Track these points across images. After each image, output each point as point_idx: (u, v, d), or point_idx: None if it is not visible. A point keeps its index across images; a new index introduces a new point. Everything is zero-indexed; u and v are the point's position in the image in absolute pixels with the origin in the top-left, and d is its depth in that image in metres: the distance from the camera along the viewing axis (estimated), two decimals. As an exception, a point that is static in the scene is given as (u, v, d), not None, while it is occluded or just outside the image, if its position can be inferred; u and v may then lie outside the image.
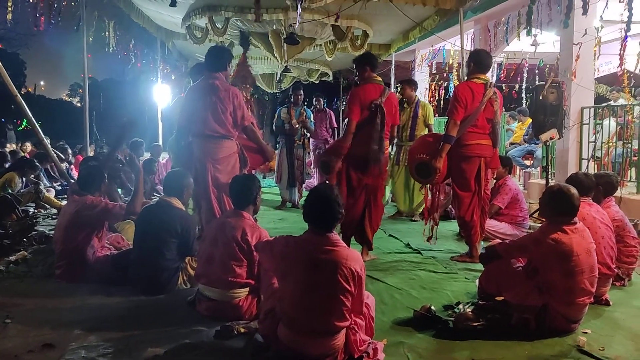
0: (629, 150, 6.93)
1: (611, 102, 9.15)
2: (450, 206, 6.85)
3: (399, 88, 8.22)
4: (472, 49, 9.88)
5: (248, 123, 4.69)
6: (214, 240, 3.55)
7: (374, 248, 5.22)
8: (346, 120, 5.08)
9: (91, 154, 10.94)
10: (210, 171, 4.55)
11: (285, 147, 8.61)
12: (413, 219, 7.50)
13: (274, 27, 9.36)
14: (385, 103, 4.84)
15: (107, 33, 9.10)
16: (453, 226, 5.97)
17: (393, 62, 13.37)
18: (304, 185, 8.88)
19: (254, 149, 4.88)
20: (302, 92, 8.79)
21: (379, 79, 5.04)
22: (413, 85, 7.71)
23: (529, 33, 7.47)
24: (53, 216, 7.32)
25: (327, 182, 4.71)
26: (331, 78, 15.42)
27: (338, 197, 2.91)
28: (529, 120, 9.80)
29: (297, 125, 8.41)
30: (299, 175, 8.61)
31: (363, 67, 5.02)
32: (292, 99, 8.70)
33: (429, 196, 5.56)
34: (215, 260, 3.49)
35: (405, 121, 7.42)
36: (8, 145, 13.13)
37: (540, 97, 6.32)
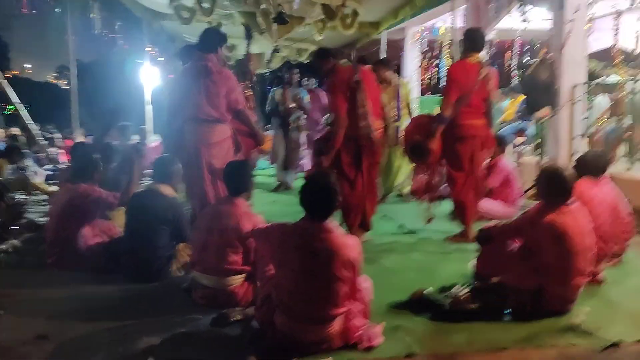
0: (621, 127, 6.91)
1: (604, 78, 9.12)
2: (444, 186, 6.83)
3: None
4: (464, 26, 9.79)
5: (242, 107, 4.59)
6: (208, 227, 3.50)
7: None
8: (332, 114, 4.97)
9: (80, 138, 10.83)
10: (204, 156, 4.43)
11: (280, 130, 8.49)
12: (402, 196, 7.38)
13: (263, 7, 9.22)
14: (363, 79, 4.77)
15: (92, 14, 8.94)
16: (447, 206, 5.95)
17: (384, 41, 13.22)
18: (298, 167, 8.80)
19: (246, 133, 4.79)
20: (297, 71, 8.63)
21: (345, 60, 4.97)
22: (386, 65, 7.55)
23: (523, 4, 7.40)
24: (43, 202, 7.24)
25: (321, 165, 4.68)
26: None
27: (336, 184, 2.87)
28: (521, 97, 9.77)
29: (292, 106, 8.27)
30: (293, 159, 8.50)
31: (324, 60, 4.89)
32: (286, 80, 8.52)
33: (425, 176, 5.52)
34: (210, 248, 3.45)
35: (388, 101, 7.30)
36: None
37: (532, 74, 6.29)
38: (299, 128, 8.62)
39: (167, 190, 4.11)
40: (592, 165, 3.96)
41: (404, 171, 7.22)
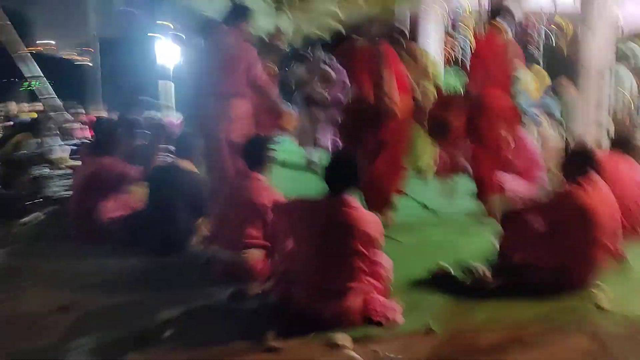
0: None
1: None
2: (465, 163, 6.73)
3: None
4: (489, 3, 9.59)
5: (262, 82, 4.54)
6: (227, 202, 3.51)
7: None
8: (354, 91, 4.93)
9: (104, 113, 10.91)
10: (223, 131, 4.43)
11: (305, 107, 8.19)
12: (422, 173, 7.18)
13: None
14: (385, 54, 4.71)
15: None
16: (469, 183, 5.88)
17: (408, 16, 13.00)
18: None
19: (267, 110, 4.75)
20: (319, 46, 8.26)
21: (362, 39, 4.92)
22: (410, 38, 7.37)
23: None
24: (67, 177, 7.32)
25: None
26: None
27: (358, 161, 2.90)
28: (543, 73, 9.61)
29: (316, 82, 8.00)
30: (316, 135, 8.16)
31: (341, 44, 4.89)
32: (308, 56, 8.17)
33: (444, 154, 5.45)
34: (229, 223, 3.46)
35: (416, 80, 7.16)
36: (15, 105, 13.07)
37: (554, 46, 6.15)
38: (323, 104, 8.24)
39: (187, 165, 4.12)
40: (623, 141, 3.87)
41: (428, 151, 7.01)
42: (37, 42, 43.71)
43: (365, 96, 4.66)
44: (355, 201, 2.85)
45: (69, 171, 7.51)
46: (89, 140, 9.94)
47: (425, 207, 5.67)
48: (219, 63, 4.41)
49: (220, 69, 4.41)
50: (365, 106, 4.71)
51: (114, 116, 10.52)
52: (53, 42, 56.91)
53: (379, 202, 4.99)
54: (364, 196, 4.87)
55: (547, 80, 9.15)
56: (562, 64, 6.13)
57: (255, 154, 3.62)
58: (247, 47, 4.50)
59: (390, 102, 4.65)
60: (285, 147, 10.32)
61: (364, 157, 4.73)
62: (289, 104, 9.65)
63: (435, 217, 5.23)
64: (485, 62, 4.77)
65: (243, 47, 4.45)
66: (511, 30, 8.95)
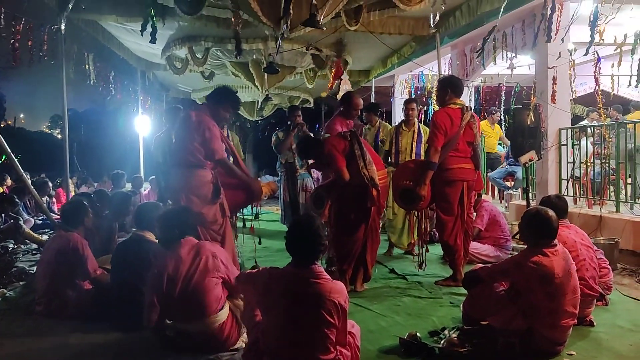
0: (607, 169, 7.03)
1: (585, 122, 9.33)
2: (434, 230, 6.84)
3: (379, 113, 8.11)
4: (450, 73, 10.04)
5: (219, 157, 4.48)
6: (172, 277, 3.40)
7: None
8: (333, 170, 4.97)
9: (72, 186, 10.84)
10: (184, 200, 4.37)
11: (286, 179, 7.99)
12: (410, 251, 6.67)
13: (254, 57, 9.44)
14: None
15: (87, 66, 9.09)
16: (437, 250, 5.97)
17: (373, 88, 13.53)
18: None
19: (235, 185, 4.72)
20: (300, 113, 8.01)
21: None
22: (375, 110, 7.57)
23: (480, 55, 7.65)
24: (33, 251, 7.21)
25: (319, 216, 4.69)
26: (312, 104, 15.56)
27: (319, 228, 2.88)
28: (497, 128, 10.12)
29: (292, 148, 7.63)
30: (300, 205, 7.89)
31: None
32: (289, 123, 7.90)
33: (415, 222, 5.57)
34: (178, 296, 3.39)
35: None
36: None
37: (517, 119, 6.43)
38: (310, 174, 8.02)
39: (151, 237, 4.11)
40: (557, 208, 4.01)
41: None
42: (7, 115, 43.50)
43: (345, 173, 4.79)
44: (322, 271, 2.85)
45: (35, 246, 7.41)
46: (57, 214, 9.86)
47: (393, 272, 5.72)
48: (181, 134, 4.50)
49: (182, 140, 4.48)
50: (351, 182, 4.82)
51: (84, 189, 10.49)
52: (22, 115, 56.81)
53: (352, 272, 5.04)
54: (338, 265, 4.94)
55: (506, 141, 9.54)
56: (522, 131, 6.38)
57: (172, 226, 3.58)
58: (207, 122, 4.46)
59: (369, 174, 4.77)
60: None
61: (342, 228, 4.84)
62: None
63: (404, 284, 5.26)
64: (444, 130, 4.94)
65: (203, 121, 4.43)
66: (470, 99, 9.33)
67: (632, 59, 6.13)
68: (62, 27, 7.00)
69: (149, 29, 6.23)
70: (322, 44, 9.00)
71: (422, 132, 6.81)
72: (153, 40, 6.30)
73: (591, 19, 5.84)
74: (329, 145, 4.87)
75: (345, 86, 9.90)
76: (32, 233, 7.68)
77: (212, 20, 7.56)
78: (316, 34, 7.80)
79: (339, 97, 8.70)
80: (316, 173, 8.25)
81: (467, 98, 9.84)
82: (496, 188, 10.10)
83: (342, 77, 9.78)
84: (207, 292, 3.36)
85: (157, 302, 3.41)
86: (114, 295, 4.02)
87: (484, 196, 6.35)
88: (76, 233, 4.39)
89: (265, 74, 9.44)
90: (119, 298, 3.95)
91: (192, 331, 3.40)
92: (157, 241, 4.12)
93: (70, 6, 6.84)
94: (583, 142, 7.54)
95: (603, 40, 6.09)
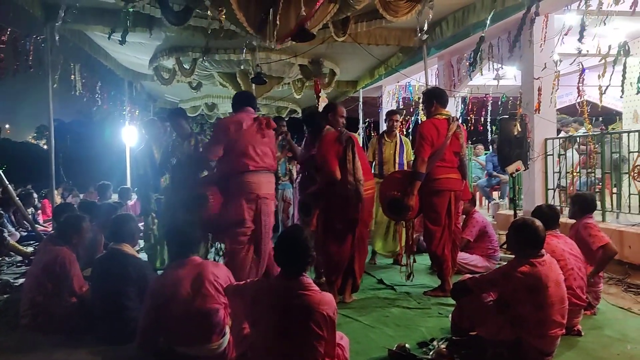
0: (592, 179, 7.08)
1: (568, 133, 9.42)
2: (421, 240, 6.84)
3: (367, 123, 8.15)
4: (437, 84, 10.11)
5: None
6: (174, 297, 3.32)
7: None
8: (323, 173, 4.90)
9: (58, 197, 10.74)
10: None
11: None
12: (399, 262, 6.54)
13: (242, 67, 9.45)
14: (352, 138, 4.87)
15: (73, 76, 9.04)
16: (425, 260, 5.97)
17: (361, 98, 13.58)
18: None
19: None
20: (284, 123, 7.63)
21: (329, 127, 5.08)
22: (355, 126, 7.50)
23: (473, 67, 7.72)
24: (17, 264, 7.11)
25: (306, 225, 4.66)
26: (300, 114, 15.58)
27: (308, 239, 2.84)
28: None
29: (280, 158, 7.39)
30: (285, 220, 7.81)
31: (325, 117, 5.08)
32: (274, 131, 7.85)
33: (403, 233, 5.56)
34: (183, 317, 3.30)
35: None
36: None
37: (504, 130, 6.48)
38: (292, 184, 7.72)
39: (128, 249, 4.04)
40: (548, 217, 4.03)
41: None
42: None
43: (336, 178, 4.75)
44: (310, 283, 2.82)
45: (19, 258, 7.31)
46: (43, 225, 9.77)
47: (382, 283, 5.71)
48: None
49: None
50: (337, 191, 4.78)
51: (70, 200, 10.37)
52: (7, 126, 56.37)
53: (341, 283, 5.01)
54: (326, 275, 4.92)
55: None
56: (509, 141, 6.43)
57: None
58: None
59: (357, 183, 4.75)
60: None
61: (330, 238, 4.81)
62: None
63: (392, 294, 5.25)
64: (431, 141, 4.95)
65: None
66: (457, 109, 9.39)
67: (614, 69, 6.19)
68: (50, 37, 6.97)
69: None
70: (312, 54, 9.04)
71: (403, 142, 6.87)
72: (123, 41, 6.46)
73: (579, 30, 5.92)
74: (324, 144, 4.85)
75: (323, 103, 9.93)
76: (16, 245, 7.58)
77: (199, 31, 7.56)
78: (304, 44, 7.82)
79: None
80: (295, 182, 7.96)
81: (453, 109, 9.90)
82: (484, 197, 10.17)
83: (320, 94, 9.83)
84: (210, 317, 3.26)
85: (154, 323, 3.34)
86: (95, 312, 3.95)
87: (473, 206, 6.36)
88: (65, 248, 4.31)
89: (253, 85, 9.44)
90: (102, 312, 3.89)
91: (194, 355, 3.29)
92: (135, 253, 4.09)
93: (60, 17, 6.83)
94: (569, 153, 7.60)
95: (587, 51, 6.16)
